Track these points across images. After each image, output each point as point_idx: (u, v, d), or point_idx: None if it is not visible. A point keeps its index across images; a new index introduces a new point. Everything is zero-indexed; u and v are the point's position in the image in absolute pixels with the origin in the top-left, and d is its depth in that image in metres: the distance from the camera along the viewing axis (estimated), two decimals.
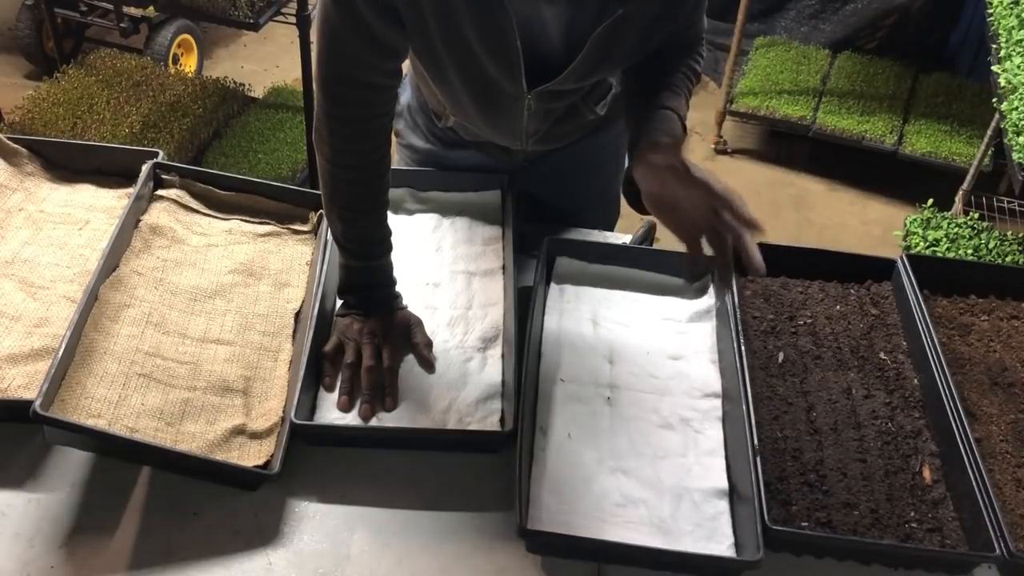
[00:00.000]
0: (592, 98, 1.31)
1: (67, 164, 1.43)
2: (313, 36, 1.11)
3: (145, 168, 1.34)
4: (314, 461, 1.11)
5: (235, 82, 3.17)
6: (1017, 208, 2.97)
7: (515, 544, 1.04)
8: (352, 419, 1.14)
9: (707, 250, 0.99)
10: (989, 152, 2.93)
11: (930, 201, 2.84)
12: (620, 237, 1.48)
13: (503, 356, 1.23)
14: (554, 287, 1.35)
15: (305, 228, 1.38)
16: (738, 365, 1.18)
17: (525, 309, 1.23)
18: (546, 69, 1.11)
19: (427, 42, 1.08)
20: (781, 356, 1.27)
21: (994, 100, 2.26)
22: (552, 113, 1.26)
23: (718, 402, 1.21)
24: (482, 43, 1.06)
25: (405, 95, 1.47)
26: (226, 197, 1.39)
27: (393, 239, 1.23)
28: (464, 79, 1.14)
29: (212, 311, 1.23)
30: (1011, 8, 2.38)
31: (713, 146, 3.69)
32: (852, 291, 1.38)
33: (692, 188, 0.97)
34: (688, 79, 1.17)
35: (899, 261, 1.36)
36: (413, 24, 1.05)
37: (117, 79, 3.00)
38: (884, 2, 3.83)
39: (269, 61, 3.94)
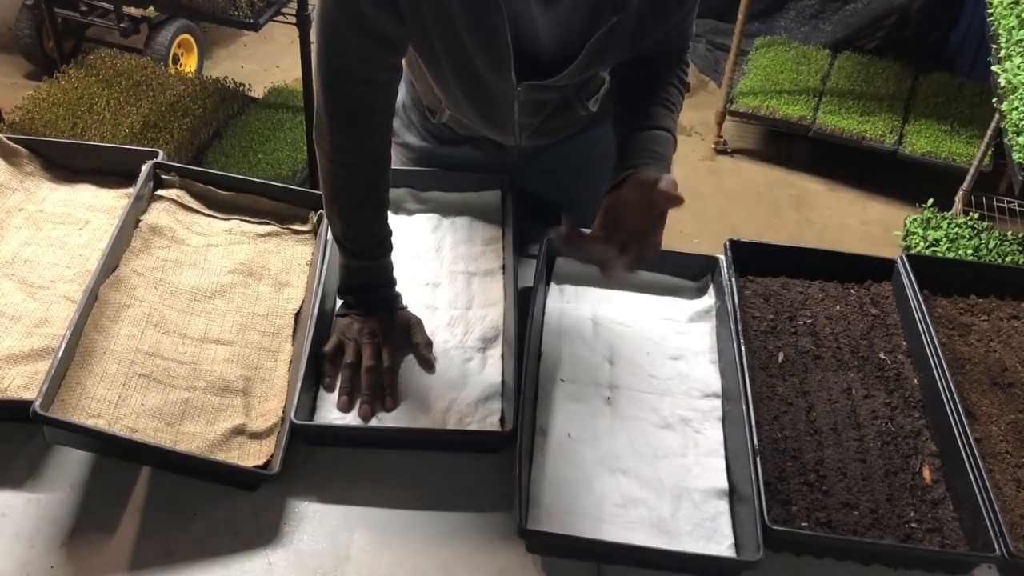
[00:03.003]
0: (584, 94, 1.31)
1: (67, 164, 1.43)
2: (313, 35, 1.11)
3: (145, 168, 1.34)
4: (314, 461, 1.11)
5: (235, 82, 3.17)
6: (1017, 208, 2.97)
7: (515, 544, 1.04)
8: (352, 419, 1.14)
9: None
10: (989, 152, 2.93)
11: (930, 201, 2.84)
12: None
13: (503, 356, 1.23)
14: (554, 287, 1.35)
15: (305, 228, 1.38)
16: (738, 365, 1.18)
17: (525, 309, 1.23)
18: (535, 63, 1.12)
19: (423, 34, 1.08)
20: (781, 356, 1.27)
21: (994, 100, 2.26)
22: (543, 106, 1.27)
23: (718, 402, 1.21)
24: (473, 37, 1.07)
25: (400, 93, 1.47)
26: (226, 197, 1.39)
27: (393, 239, 1.23)
28: (455, 71, 1.15)
29: (212, 311, 1.23)
30: (1011, 8, 2.38)
31: (713, 146, 3.69)
32: (852, 291, 1.38)
33: (649, 219, 1.04)
34: (680, 93, 1.21)
35: (899, 261, 1.36)
36: (411, 15, 1.05)
37: (117, 79, 3.01)
38: (884, 2, 3.83)
39: (269, 61, 3.94)
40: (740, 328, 1.23)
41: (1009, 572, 1.06)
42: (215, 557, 1.01)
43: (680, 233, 3.22)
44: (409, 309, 1.25)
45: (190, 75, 3.19)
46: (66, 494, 1.06)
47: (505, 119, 1.25)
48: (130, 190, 1.34)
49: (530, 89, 1.17)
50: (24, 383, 1.08)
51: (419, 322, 1.24)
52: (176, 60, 3.46)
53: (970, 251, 2.63)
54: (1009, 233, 2.72)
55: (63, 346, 1.05)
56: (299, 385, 1.11)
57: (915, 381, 1.24)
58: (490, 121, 1.28)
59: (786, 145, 3.69)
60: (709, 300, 1.34)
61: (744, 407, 1.12)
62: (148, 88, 2.99)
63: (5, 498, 1.05)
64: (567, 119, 1.34)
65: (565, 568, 1.04)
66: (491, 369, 1.21)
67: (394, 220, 1.24)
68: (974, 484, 1.07)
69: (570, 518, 1.05)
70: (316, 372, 1.17)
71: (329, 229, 1.25)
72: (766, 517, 1.01)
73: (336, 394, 1.16)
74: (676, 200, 1.00)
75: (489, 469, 1.12)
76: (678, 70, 1.21)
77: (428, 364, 1.20)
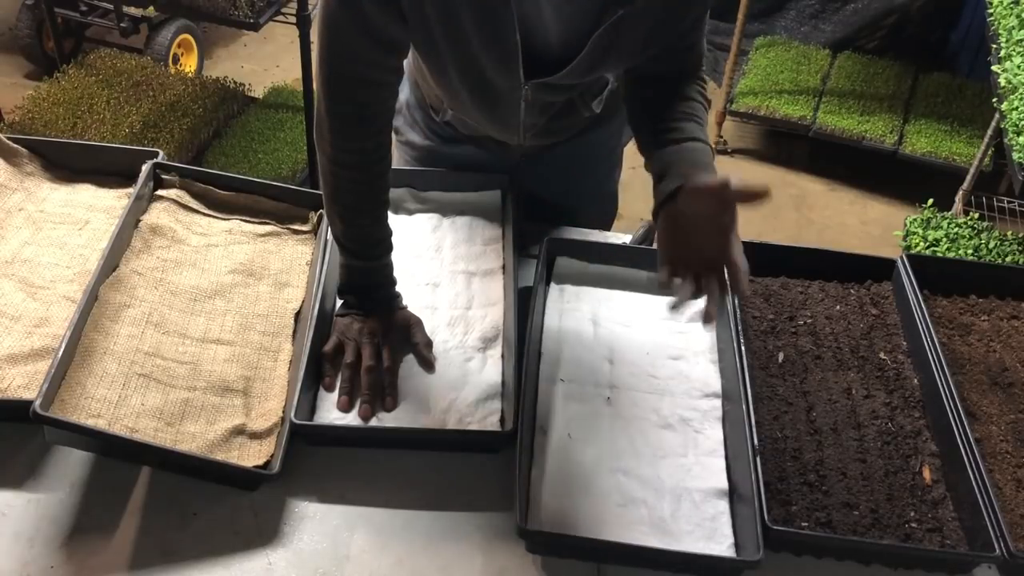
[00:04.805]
0: (589, 94, 1.31)
1: (67, 164, 1.43)
2: (314, 35, 1.11)
3: (145, 168, 1.34)
4: (314, 461, 1.11)
5: (235, 82, 3.17)
6: (1017, 208, 2.97)
7: (515, 544, 1.04)
8: (352, 419, 1.14)
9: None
10: (989, 152, 2.93)
11: (930, 201, 2.84)
12: (620, 237, 1.48)
13: (503, 356, 1.23)
14: (554, 287, 1.35)
15: (305, 228, 1.38)
16: (738, 365, 1.18)
17: (525, 309, 1.23)
18: (542, 62, 1.11)
19: (427, 35, 1.08)
20: (781, 356, 1.27)
21: (994, 100, 2.26)
22: (549, 107, 1.27)
23: (718, 402, 1.21)
24: (480, 35, 1.07)
25: (404, 92, 1.47)
26: (226, 197, 1.39)
27: (393, 239, 1.23)
28: (460, 70, 1.14)
29: (212, 311, 1.23)
30: (1011, 8, 2.38)
31: (713, 146, 3.68)
32: (852, 291, 1.38)
33: (719, 229, 0.98)
34: (704, 108, 1.16)
35: (899, 261, 1.36)
36: (414, 16, 1.05)
37: (117, 79, 3.00)
38: (884, 2, 3.83)
39: (269, 61, 3.94)
40: (740, 328, 1.23)
41: (1009, 572, 1.06)
42: (215, 557, 1.01)
43: None
44: (409, 309, 1.25)
45: (190, 75, 3.19)
46: (66, 494, 1.06)
47: (510, 118, 1.25)
48: (130, 190, 1.34)
49: (537, 88, 1.16)
50: (24, 383, 1.08)
51: (419, 322, 1.24)
52: (176, 60, 3.46)
53: (970, 251, 2.63)
54: (1009, 233, 2.72)
55: (63, 346, 1.05)
56: (299, 385, 1.11)
57: (915, 381, 1.24)
58: (495, 120, 1.28)
59: (786, 145, 3.69)
60: None
61: (744, 407, 1.12)
62: (148, 88, 2.99)
63: (5, 498, 1.05)
64: (571, 120, 1.35)
65: (565, 568, 1.04)
66: (491, 369, 1.21)
67: (394, 220, 1.24)
68: (974, 484, 1.07)
69: (570, 518, 1.05)
70: (316, 372, 1.17)
71: (329, 229, 1.25)
72: (766, 517, 1.01)
73: (336, 394, 1.16)
74: (760, 191, 0.89)
75: (489, 469, 1.12)
76: (698, 85, 1.17)
77: (428, 364, 1.20)
